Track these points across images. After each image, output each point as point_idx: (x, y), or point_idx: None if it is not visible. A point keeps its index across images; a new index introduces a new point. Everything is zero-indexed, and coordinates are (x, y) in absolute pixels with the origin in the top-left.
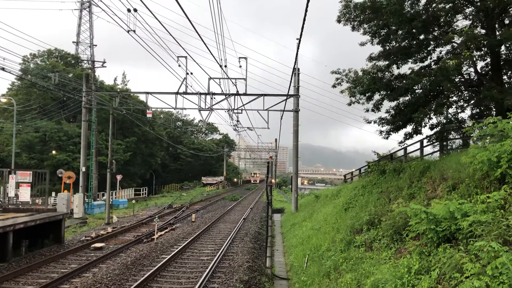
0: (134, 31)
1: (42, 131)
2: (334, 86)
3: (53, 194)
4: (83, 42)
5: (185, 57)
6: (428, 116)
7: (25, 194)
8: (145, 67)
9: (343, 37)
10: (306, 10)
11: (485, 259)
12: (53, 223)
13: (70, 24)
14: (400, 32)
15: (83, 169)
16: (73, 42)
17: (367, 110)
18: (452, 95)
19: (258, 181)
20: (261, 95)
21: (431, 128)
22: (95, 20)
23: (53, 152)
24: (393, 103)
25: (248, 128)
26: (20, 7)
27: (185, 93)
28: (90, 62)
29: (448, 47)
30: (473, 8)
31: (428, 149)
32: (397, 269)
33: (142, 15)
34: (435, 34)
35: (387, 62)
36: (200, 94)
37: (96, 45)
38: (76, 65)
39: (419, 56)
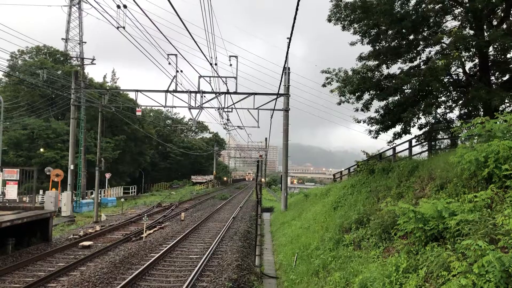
0: (123, 27)
1: (30, 128)
2: (324, 85)
3: (41, 192)
4: (72, 39)
5: (175, 55)
6: (417, 116)
7: (12, 192)
8: (135, 65)
9: (334, 37)
10: (296, 9)
11: (472, 258)
12: (40, 221)
13: (59, 21)
14: (390, 32)
15: (72, 167)
16: (62, 39)
17: (357, 110)
18: (441, 95)
19: (251, 179)
20: (252, 94)
21: (420, 128)
22: (85, 17)
23: (41, 149)
24: (383, 103)
25: (238, 126)
26: (8, 2)
27: (175, 91)
28: (79, 59)
29: (437, 47)
30: (462, 9)
31: (416, 149)
32: (385, 268)
33: (132, 12)
34: (425, 34)
35: (376, 62)
36: (190, 92)
37: (85, 42)
38: (65, 62)
39: (408, 56)
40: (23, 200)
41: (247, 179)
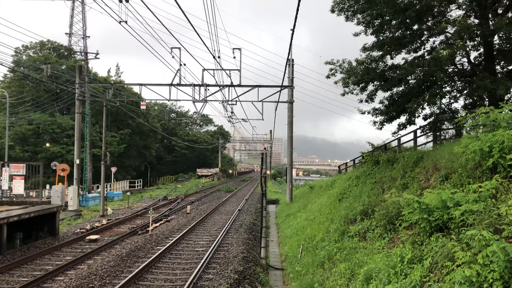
0: (126, 22)
1: (36, 123)
2: (328, 76)
3: (48, 186)
4: (76, 34)
5: (179, 48)
6: (421, 106)
7: (19, 187)
8: (139, 58)
9: (338, 27)
10: (299, 0)
11: (476, 248)
12: (47, 215)
13: (63, 15)
14: (393, 22)
15: (77, 161)
16: (66, 33)
17: (361, 101)
18: (445, 85)
19: (259, 171)
20: (256, 86)
21: (425, 118)
22: (88, 11)
23: (47, 144)
24: (387, 94)
25: (242, 119)
26: None
27: (179, 84)
28: (83, 53)
29: (442, 37)
30: None
31: (421, 140)
32: (390, 259)
33: (134, 5)
34: (429, 24)
35: (380, 53)
36: (194, 85)
37: (89, 37)
38: (69, 57)
39: (412, 47)
40: (30, 195)
41: (255, 171)
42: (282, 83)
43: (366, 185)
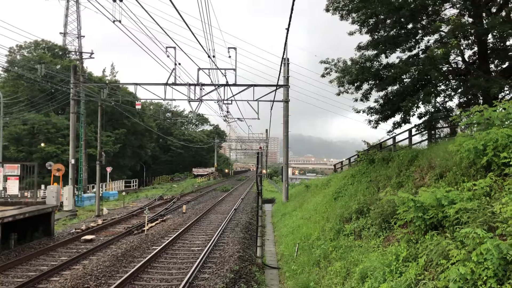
0: (120, 21)
1: (30, 123)
2: (323, 75)
3: (43, 187)
4: (70, 33)
5: (174, 47)
6: (416, 105)
7: (13, 187)
8: (135, 58)
9: (334, 26)
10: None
11: (471, 246)
12: (42, 216)
13: (57, 15)
14: (388, 21)
15: (73, 161)
16: (61, 33)
17: (356, 100)
18: (440, 84)
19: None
20: (251, 85)
21: (419, 117)
22: (83, 10)
23: (42, 144)
24: (382, 93)
25: (238, 119)
26: None
27: (174, 84)
28: (77, 53)
29: (436, 36)
30: None
31: (416, 138)
32: (385, 257)
33: (129, 5)
34: (423, 23)
35: (375, 52)
36: (190, 85)
37: (83, 36)
38: (63, 56)
39: (407, 45)
40: (25, 195)
41: (251, 170)
42: (278, 82)
43: (361, 183)
